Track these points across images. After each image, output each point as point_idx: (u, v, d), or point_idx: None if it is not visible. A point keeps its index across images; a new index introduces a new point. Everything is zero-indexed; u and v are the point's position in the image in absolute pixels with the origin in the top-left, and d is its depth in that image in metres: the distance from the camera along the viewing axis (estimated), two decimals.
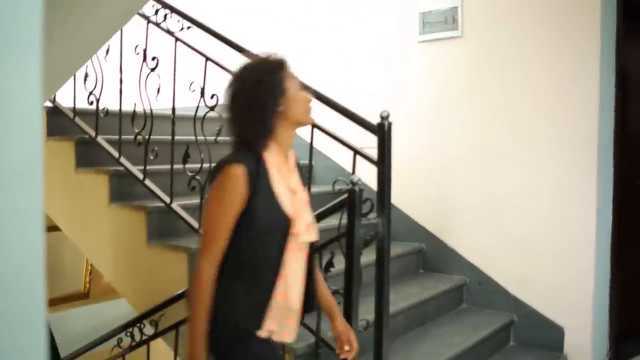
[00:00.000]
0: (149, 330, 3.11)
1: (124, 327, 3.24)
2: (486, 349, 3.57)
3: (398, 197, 4.36)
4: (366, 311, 2.55)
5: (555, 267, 3.66)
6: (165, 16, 3.37)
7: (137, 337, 3.18)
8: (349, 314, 2.33)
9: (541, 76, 3.69)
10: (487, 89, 3.92)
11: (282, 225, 1.87)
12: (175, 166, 3.25)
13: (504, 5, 3.83)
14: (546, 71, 3.67)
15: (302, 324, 2.70)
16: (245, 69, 1.96)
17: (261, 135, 1.88)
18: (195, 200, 3.17)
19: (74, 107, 3.70)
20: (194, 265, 1.86)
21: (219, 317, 1.82)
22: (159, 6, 3.38)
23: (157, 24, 3.40)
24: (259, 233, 1.85)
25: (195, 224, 3.11)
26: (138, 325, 3.16)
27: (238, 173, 1.81)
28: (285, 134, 1.94)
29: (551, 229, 3.67)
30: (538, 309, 3.74)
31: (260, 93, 1.88)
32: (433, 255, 4.18)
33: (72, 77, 3.61)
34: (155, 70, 3.34)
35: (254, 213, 1.82)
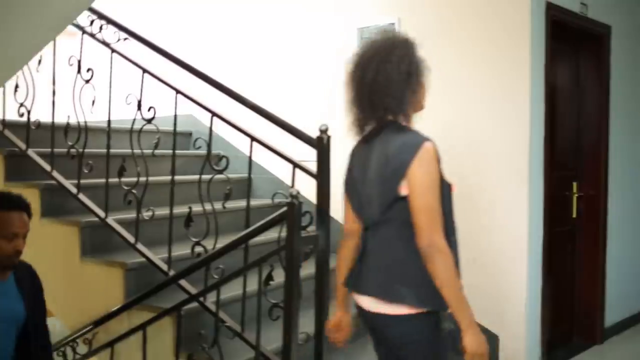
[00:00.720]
0: (82, 349, 3.02)
1: (56, 347, 3.13)
2: None
3: (338, 210, 4.40)
4: (307, 324, 2.55)
5: (490, 279, 3.75)
6: (100, 27, 3.30)
7: (70, 357, 3.08)
8: (289, 327, 2.33)
9: (477, 93, 3.80)
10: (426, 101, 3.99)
11: (450, 191, 2.01)
12: (111, 180, 3.18)
13: (441, 24, 3.93)
14: (482, 87, 3.78)
15: (242, 338, 2.68)
16: (397, 46, 2.00)
17: (416, 110, 2.06)
18: (132, 215, 3.10)
19: (3, 119, 3.57)
20: (438, 244, 1.86)
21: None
22: (95, 17, 3.31)
23: (92, 35, 3.33)
24: (445, 202, 1.93)
25: (132, 239, 3.05)
26: (71, 344, 3.06)
27: (435, 148, 1.93)
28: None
29: (485, 240, 3.77)
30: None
31: (422, 72, 2.05)
32: None
33: (2, 88, 3.49)
34: (90, 81, 3.27)
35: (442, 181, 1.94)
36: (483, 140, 3.77)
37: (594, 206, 4.45)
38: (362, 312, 2.03)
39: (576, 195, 4.42)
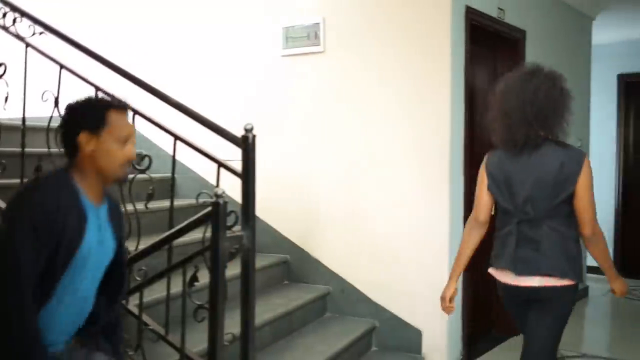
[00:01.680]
0: None
1: None
2: (350, 356, 3.67)
3: (263, 210, 4.37)
4: (232, 324, 2.53)
5: (413, 274, 3.85)
6: (14, 20, 3.16)
7: None
8: (215, 329, 2.30)
9: (400, 92, 3.88)
10: (349, 104, 4.05)
11: None
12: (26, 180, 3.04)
13: (364, 26, 3.99)
14: (405, 88, 3.86)
15: (166, 341, 2.63)
16: (557, 77, 2.54)
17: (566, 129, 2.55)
18: None
19: None
20: (599, 232, 2.51)
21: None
22: (7, 9, 3.16)
23: (5, 28, 3.17)
24: None
25: None
26: None
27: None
28: None
29: (409, 238, 3.86)
30: (398, 314, 3.91)
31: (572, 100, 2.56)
32: (298, 266, 4.24)
33: None
34: (3, 77, 3.12)
35: None
36: (406, 139, 3.86)
37: None
38: (520, 290, 2.56)
39: None
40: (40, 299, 1.83)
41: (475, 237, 2.76)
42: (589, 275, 6.45)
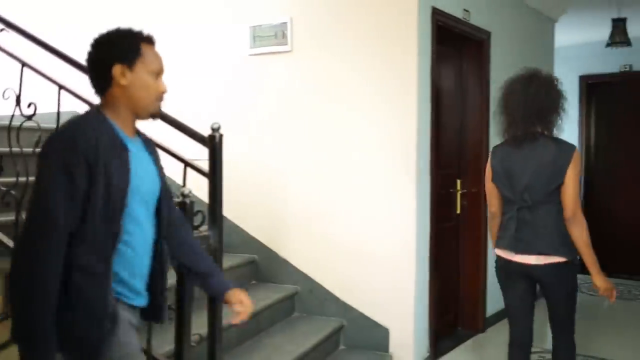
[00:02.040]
0: None
1: None
2: (318, 355, 3.68)
3: (231, 209, 4.35)
4: (199, 325, 2.52)
5: (380, 272, 3.87)
6: None
7: None
8: (181, 329, 2.29)
9: (367, 92, 3.90)
10: (317, 102, 4.06)
11: None
12: None
13: (332, 26, 4.01)
14: (371, 87, 3.88)
15: None
16: (554, 80, 2.92)
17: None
18: (10, 217, 2.92)
19: None
20: (579, 216, 2.77)
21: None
22: None
23: None
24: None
25: (10, 243, 2.87)
26: None
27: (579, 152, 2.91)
28: None
29: (376, 236, 3.88)
30: (365, 312, 3.93)
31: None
32: (265, 266, 4.23)
33: None
34: None
35: None
36: (373, 139, 3.88)
37: (476, 202, 4.70)
38: (519, 266, 2.87)
39: (460, 192, 4.64)
40: (113, 239, 1.76)
41: (495, 227, 3.05)
42: None
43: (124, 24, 1.96)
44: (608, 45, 6.11)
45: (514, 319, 3.04)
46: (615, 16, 5.90)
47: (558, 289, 2.88)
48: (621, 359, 4.24)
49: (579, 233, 2.77)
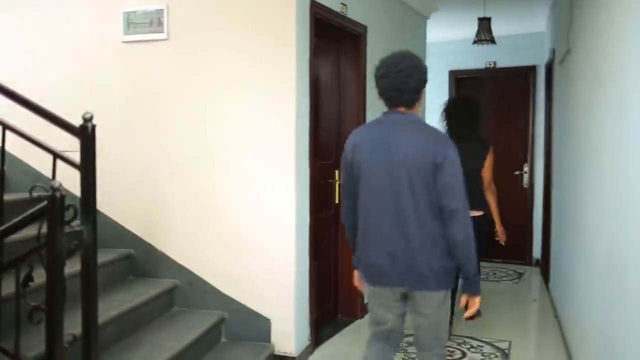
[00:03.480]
0: None
1: None
2: (199, 349, 3.63)
3: (105, 203, 4.19)
4: (73, 325, 2.40)
5: (261, 264, 3.88)
6: None
7: None
8: (53, 330, 2.17)
9: (246, 83, 3.88)
10: (194, 92, 3.98)
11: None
12: None
13: (210, 14, 3.94)
14: (250, 78, 3.86)
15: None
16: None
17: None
18: None
19: None
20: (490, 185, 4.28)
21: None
22: None
23: None
24: None
25: None
26: None
27: None
28: None
29: (257, 228, 3.89)
30: (247, 304, 3.93)
31: None
32: (143, 261, 4.11)
33: None
34: None
35: None
36: (253, 129, 3.87)
37: None
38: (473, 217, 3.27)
39: (338, 182, 4.75)
40: None
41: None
42: None
43: None
44: (475, 42, 6.48)
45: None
46: (482, 15, 6.26)
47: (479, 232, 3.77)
48: (488, 337, 4.54)
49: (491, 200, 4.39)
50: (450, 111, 4.55)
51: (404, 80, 2.61)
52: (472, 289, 2.66)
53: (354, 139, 2.78)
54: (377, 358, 2.85)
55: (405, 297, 2.74)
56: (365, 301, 2.97)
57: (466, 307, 2.72)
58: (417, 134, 2.62)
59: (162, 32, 4.00)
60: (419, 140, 2.59)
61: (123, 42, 4.09)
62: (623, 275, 2.46)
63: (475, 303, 2.68)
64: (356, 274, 2.96)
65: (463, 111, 4.49)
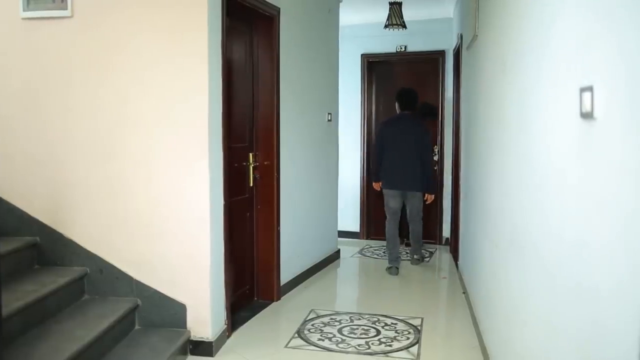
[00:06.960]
0: None
1: None
2: (112, 337, 3.54)
3: (5, 189, 3.99)
4: None
5: (175, 248, 3.81)
6: None
7: None
8: None
9: (155, 64, 3.77)
10: (101, 73, 3.83)
11: None
12: None
13: None
14: (160, 59, 3.76)
15: None
16: None
17: None
18: None
19: None
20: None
21: None
22: None
23: None
24: None
25: None
26: None
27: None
28: None
29: (169, 212, 3.81)
30: (161, 290, 3.85)
31: None
32: (50, 248, 3.94)
33: None
34: None
35: None
36: (163, 111, 3.78)
37: (268, 175, 4.83)
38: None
39: (252, 165, 4.73)
40: None
41: None
42: (340, 239, 7.01)
43: None
44: (386, 26, 6.58)
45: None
46: (393, 0, 6.36)
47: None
48: (401, 314, 4.68)
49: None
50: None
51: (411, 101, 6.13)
52: (431, 190, 6.14)
53: (385, 124, 6.15)
54: (392, 227, 6.06)
55: (404, 195, 6.06)
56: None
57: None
58: (414, 125, 5.97)
59: (66, 8, 3.82)
60: (414, 129, 5.93)
61: (23, 19, 3.88)
62: (524, 251, 2.59)
63: (432, 198, 6.19)
64: (376, 184, 6.19)
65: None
